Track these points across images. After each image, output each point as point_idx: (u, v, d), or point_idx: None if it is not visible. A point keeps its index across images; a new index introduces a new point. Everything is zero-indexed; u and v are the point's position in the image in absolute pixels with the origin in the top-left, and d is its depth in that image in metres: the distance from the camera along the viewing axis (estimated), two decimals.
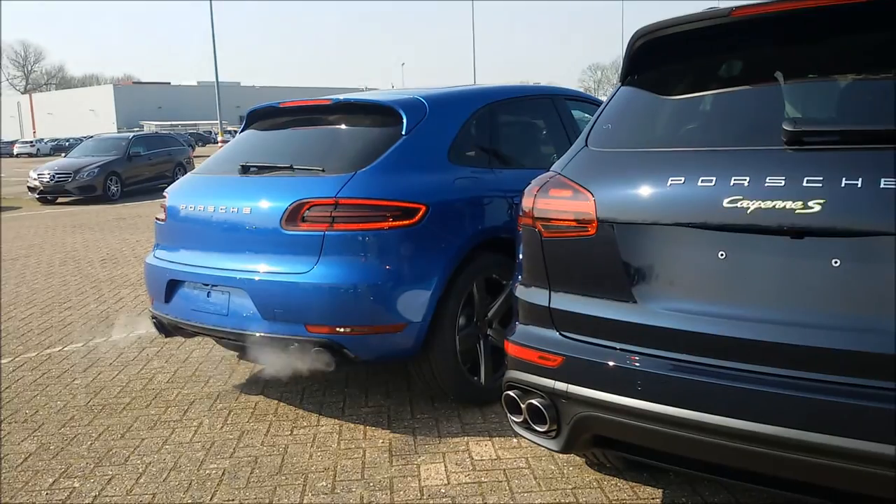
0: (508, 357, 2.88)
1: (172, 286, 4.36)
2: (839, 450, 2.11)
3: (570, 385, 2.59)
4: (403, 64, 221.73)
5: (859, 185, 2.13)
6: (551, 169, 2.89)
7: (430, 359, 4.01)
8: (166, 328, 4.50)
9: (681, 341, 2.40)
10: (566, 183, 2.72)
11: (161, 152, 21.36)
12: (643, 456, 2.75)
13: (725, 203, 2.31)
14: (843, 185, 2.15)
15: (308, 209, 3.83)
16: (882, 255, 2.12)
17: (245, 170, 4.29)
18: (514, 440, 3.74)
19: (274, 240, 3.91)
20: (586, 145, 2.83)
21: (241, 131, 4.99)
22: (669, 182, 2.46)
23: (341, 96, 4.58)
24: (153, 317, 4.56)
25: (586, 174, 2.70)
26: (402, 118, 4.16)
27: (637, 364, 2.46)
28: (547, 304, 2.73)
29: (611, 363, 2.51)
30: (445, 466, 3.52)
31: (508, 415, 2.86)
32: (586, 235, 2.61)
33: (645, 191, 2.52)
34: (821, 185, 2.18)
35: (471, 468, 3.49)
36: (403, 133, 4.11)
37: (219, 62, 50.99)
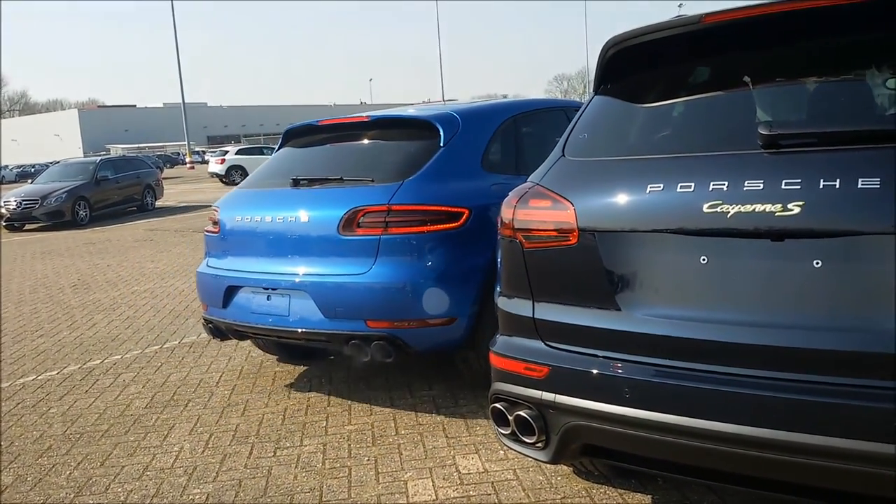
0: (494, 369, 2.86)
1: (230, 292, 4.64)
2: (827, 449, 2.12)
3: (557, 395, 2.58)
4: (371, 80, 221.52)
5: (837, 186, 2.15)
6: (529, 179, 2.90)
7: (476, 348, 4.22)
8: (222, 332, 4.82)
9: (667, 347, 2.40)
10: (545, 193, 2.72)
11: (129, 175, 21.15)
12: (631, 463, 2.74)
13: (705, 208, 2.33)
14: (821, 186, 2.17)
15: (363, 216, 4.18)
16: (863, 254, 2.14)
17: (296, 183, 4.60)
18: (501, 452, 3.72)
19: (332, 244, 4.25)
20: (563, 155, 2.84)
21: (279, 149, 5.33)
22: (648, 189, 2.47)
23: (377, 113, 5.00)
24: (208, 322, 4.85)
25: (565, 184, 2.71)
26: (439, 131, 4.51)
27: (624, 372, 2.46)
28: (531, 315, 2.72)
29: (598, 372, 2.50)
30: (433, 482, 3.49)
31: (496, 427, 2.84)
32: (568, 245, 2.61)
33: (625, 199, 2.52)
34: (799, 187, 2.20)
35: (458, 482, 3.46)
36: (441, 145, 4.46)
37: (185, 83, 50.78)
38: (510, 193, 2.86)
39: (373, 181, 4.34)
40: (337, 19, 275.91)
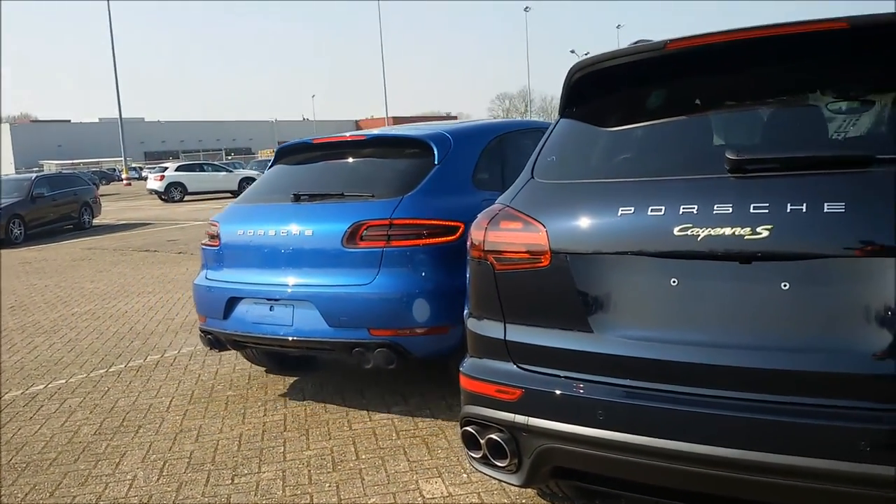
0: (464, 391, 2.85)
1: (231, 304, 4.76)
2: (797, 469, 2.16)
3: (530, 417, 2.58)
4: (314, 96, 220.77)
5: (804, 210, 2.21)
6: (498, 201, 2.90)
7: None
8: (221, 343, 4.96)
9: (639, 369, 2.42)
10: (516, 215, 2.73)
11: (66, 192, 20.51)
12: (598, 484, 2.75)
13: (676, 231, 2.36)
14: (788, 210, 2.23)
15: (366, 229, 4.37)
16: (829, 276, 2.20)
17: (297, 198, 4.77)
18: (465, 475, 3.70)
19: (336, 257, 4.41)
20: (532, 177, 2.85)
21: (271, 166, 5.50)
22: (620, 212, 2.49)
23: (373, 131, 5.30)
24: (207, 333, 4.96)
25: (536, 206, 2.72)
26: (433, 150, 4.71)
27: (597, 394, 2.47)
28: (502, 337, 2.72)
29: (571, 394, 2.51)
30: None
31: (467, 451, 2.82)
32: (540, 267, 2.62)
33: (596, 221, 2.55)
34: (767, 211, 2.25)
35: None
36: (436, 163, 4.67)
37: (122, 97, 49.65)
38: (479, 215, 2.87)
39: (373, 196, 4.53)
40: (278, 35, 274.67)
